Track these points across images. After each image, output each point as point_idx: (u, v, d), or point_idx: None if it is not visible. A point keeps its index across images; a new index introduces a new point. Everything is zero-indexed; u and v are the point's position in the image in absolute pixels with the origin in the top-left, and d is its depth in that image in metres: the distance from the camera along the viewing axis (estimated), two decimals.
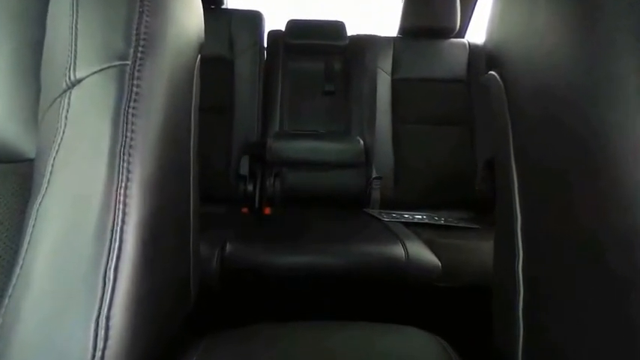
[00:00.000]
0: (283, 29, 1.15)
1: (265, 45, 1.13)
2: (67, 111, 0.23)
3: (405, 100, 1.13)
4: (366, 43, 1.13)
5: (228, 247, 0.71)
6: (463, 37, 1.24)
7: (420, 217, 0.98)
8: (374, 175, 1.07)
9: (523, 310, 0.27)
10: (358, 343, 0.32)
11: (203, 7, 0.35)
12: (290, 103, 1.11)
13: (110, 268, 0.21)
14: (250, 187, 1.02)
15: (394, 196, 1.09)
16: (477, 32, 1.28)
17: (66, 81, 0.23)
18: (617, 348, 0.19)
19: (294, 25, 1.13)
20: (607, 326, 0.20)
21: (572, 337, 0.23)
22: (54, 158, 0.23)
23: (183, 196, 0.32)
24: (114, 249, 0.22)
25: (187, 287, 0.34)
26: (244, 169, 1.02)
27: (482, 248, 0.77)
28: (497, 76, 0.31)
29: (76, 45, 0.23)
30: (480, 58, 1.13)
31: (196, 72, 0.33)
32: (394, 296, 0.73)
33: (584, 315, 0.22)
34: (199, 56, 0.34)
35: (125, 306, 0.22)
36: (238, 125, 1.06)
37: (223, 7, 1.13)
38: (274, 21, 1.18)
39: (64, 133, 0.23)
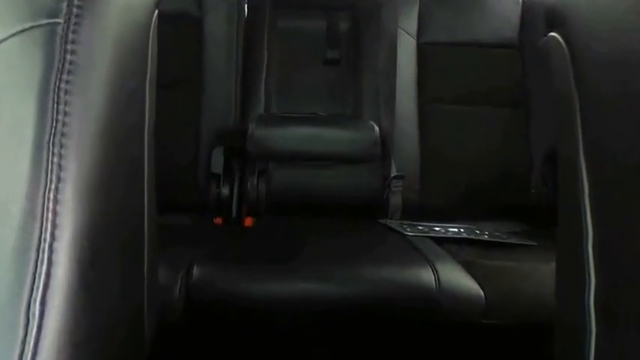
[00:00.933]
0: None
1: None
2: None
3: (435, 71, 0.98)
4: None
5: (195, 270, 0.61)
6: None
7: (455, 230, 0.85)
8: (393, 173, 0.92)
9: (595, 354, 0.26)
10: None
11: None
12: (279, 76, 0.96)
13: (35, 300, 0.18)
14: (226, 190, 0.88)
15: (421, 201, 0.94)
16: None
17: None
18: None
19: None
20: None
21: None
22: None
23: (134, 201, 0.28)
24: (40, 274, 0.18)
25: (141, 324, 0.30)
26: (217, 166, 0.87)
27: (541, 272, 0.66)
28: (561, 40, 0.30)
29: None
30: (538, 14, 0.97)
31: (152, 33, 0.29)
32: (422, 338, 0.65)
33: None
34: (156, 12, 0.30)
35: (56, 351, 0.18)
36: (209, 106, 0.90)
37: None
38: None
39: None
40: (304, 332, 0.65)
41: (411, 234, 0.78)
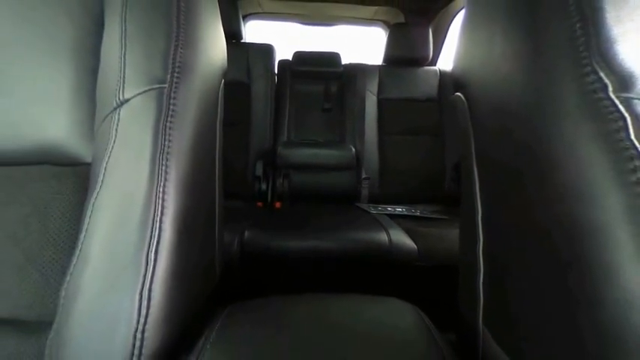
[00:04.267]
0: (290, 59, 1.18)
1: (276, 71, 1.16)
2: (117, 124, 0.23)
3: (388, 115, 1.15)
4: (357, 70, 1.15)
5: (246, 234, 0.72)
6: (435, 65, 1.28)
7: (400, 210, 1.00)
8: (363, 176, 1.10)
9: (483, 283, 0.27)
10: (350, 312, 0.32)
11: (226, 42, 0.35)
12: (296, 118, 1.13)
13: (152, 251, 0.22)
14: (264, 186, 1.03)
15: (380, 192, 1.11)
16: (446, 61, 1.31)
17: (116, 100, 0.24)
18: (561, 318, 0.19)
19: (300, 56, 1.16)
20: (553, 299, 0.20)
21: (522, 305, 0.23)
22: (106, 162, 0.23)
23: (210, 193, 0.31)
24: (154, 236, 0.22)
25: (213, 267, 0.34)
26: (259, 171, 1.04)
27: (450, 235, 0.79)
28: (462, 97, 0.31)
29: (124, 71, 0.24)
30: (448, 82, 1.16)
31: (221, 93, 0.33)
32: (380, 273, 0.74)
33: (532, 287, 0.22)
34: (223, 81, 0.34)
35: (164, 281, 0.22)
36: (254, 136, 1.08)
37: (242, 41, 1.17)
38: (283, 51, 1.23)
39: (114, 142, 0.23)
40: (312, 269, 0.74)
41: (374, 212, 0.94)
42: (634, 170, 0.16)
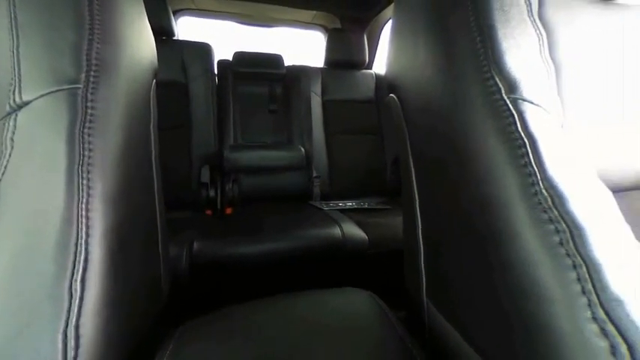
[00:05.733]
0: (231, 59, 1.09)
1: (216, 71, 1.06)
2: (14, 132, 0.19)
3: (332, 116, 1.15)
4: (300, 72, 1.13)
5: (195, 245, 0.66)
6: (371, 69, 1.32)
7: (350, 204, 1.01)
8: (314, 174, 1.08)
9: (424, 262, 0.29)
10: (310, 308, 0.32)
11: (155, 39, 0.31)
12: (241, 120, 1.06)
13: (76, 280, 0.18)
14: (212, 192, 0.96)
15: (330, 190, 1.11)
16: (380, 65, 1.36)
17: (10, 103, 0.20)
18: (482, 282, 0.21)
19: (241, 56, 1.08)
20: (476, 267, 0.22)
21: (453, 275, 0.25)
22: (0, 180, 0.19)
23: (148, 204, 0.29)
24: (79, 261, 0.19)
25: (159, 286, 0.31)
26: (205, 177, 0.95)
27: (395, 223, 0.83)
28: (396, 98, 0.32)
29: (18, 68, 0.20)
30: (383, 84, 1.19)
31: (152, 94, 0.30)
32: (336, 266, 0.74)
33: (460, 259, 0.24)
34: (154, 81, 0.31)
35: (96, 312, 0.19)
36: (197, 140, 0.98)
37: (175, 38, 1.03)
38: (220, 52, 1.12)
39: (10, 153, 0.19)
40: (270, 272, 0.70)
41: (326, 209, 0.94)
42: (522, 156, 0.19)
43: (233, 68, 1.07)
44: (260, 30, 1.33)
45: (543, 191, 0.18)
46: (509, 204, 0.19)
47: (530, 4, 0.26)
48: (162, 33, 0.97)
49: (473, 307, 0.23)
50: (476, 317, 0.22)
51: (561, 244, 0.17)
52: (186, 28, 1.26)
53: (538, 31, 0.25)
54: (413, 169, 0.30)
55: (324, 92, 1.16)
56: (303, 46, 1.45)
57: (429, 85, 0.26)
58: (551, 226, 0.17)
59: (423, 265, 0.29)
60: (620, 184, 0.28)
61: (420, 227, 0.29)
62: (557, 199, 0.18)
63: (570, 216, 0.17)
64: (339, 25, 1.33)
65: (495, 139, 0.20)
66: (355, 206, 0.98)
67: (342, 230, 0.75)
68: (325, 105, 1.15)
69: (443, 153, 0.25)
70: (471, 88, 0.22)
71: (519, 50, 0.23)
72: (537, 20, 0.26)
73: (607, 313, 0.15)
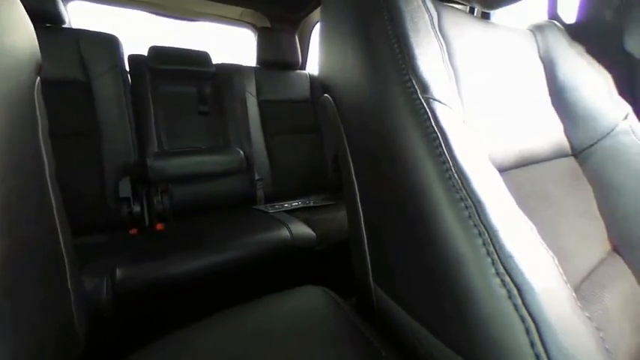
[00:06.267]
0: (146, 54, 0.95)
1: (128, 68, 0.91)
2: None
3: (270, 117, 1.12)
4: (232, 71, 1.06)
5: (118, 272, 0.57)
6: (305, 69, 1.33)
7: (296, 203, 1.01)
8: (256, 177, 1.04)
9: (368, 248, 0.31)
10: (267, 312, 0.32)
11: (37, 26, 0.27)
12: (166, 124, 0.94)
13: None
14: (137, 208, 0.83)
15: (274, 191, 1.08)
16: (313, 66, 1.37)
17: None
18: (416, 258, 0.25)
19: (159, 52, 0.96)
20: (410, 246, 0.25)
21: (396, 258, 0.28)
22: None
23: (46, 234, 0.24)
24: None
25: (71, 329, 0.27)
26: (126, 191, 0.82)
27: (340, 216, 0.86)
28: (330, 98, 0.34)
29: None
30: (318, 85, 1.20)
31: (37, 95, 0.25)
32: (287, 266, 0.73)
33: (399, 242, 0.27)
34: (39, 78, 0.26)
35: None
36: (109, 148, 0.83)
37: (65, 26, 0.82)
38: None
39: None
40: (216, 287, 0.64)
41: (272, 211, 0.91)
42: (437, 147, 0.23)
43: (150, 65, 0.94)
44: (178, 24, 1.20)
45: (455, 175, 0.22)
46: (431, 189, 0.22)
47: (433, 18, 0.31)
48: (46, 19, 0.77)
49: (411, 283, 0.25)
50: (414, 292, 0.25)
51: (470, 217, 0.20)
52: (84, 16, 1.03)
53: (440, 42, 0.30)
54: (352, 165, 0.31)
55: (259, 92, 1.12)
56: (222, 45, 1.36)
57: (359, 87, 0.28)
58: (462, 204, 0.21)
59: (367, 252, 0.31)
60: (503, 164, 0.34)
61: (362, 217, 0.31)
62: (464, 180, 0.21)
63: (474, 194, 0.21)
64: (268, 24, 1.29)
65: (416, 134, 0.24)
66: (301, 205, 0.98)
67: (289, 231, 0.74)
68: (262, 105, 1.11)
69: (376, 148, 0.27)
70: (393, 89, 0.25)
71: (427, 57, 0.27)
72: (438, 32, 0.31)
73: (504, 268, 0.19)
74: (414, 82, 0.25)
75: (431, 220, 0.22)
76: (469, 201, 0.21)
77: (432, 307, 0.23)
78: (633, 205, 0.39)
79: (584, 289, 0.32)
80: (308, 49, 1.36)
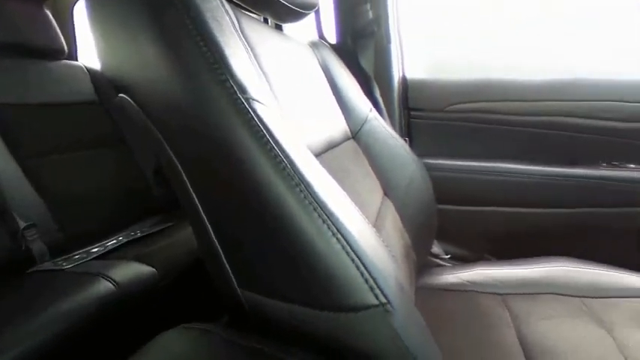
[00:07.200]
0: None
1: None
2: None
3: (25, 130, 0.76)
4: None
5: None
6: (77, 60, 1.00)
7: (115, 241, 0.77)
8: (22, 225, 0.68)
9: (226, 258, 0.30)
10: None
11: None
12: None
13: None
14: None
15: (66, 236, 0.75)
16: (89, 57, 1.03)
17: None
18: (274, 246, 0.26)
19: None
20: (266, 239, 0.27)
21: (257, 256, 0.29)
22: None
23: None
24: None
25: None
26: None
27: (184, 236, 0.76)
28: (129, 99, 0.30)
29: None
30: (104, 82, 0.94)
31: None
32: (126, 323, 0.58)
33: (256, 239, 0.28)
34: None
35: None
36: None
37: None
38: None
39: None
40: None
41: (70, 266, 0.65)
42: (266, 143, 0.25)
43: None
44: None
45: (288, 166, 0.25)
46: (271, 182, 0.24)
47: (234, 21, 0.31)
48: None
49: (274, 269, 0.27)
50: (278, 277, 0.27)
51: (305, 197, 0.24)
52: None
53: (245, 45, 0.31)
54: (184, 174, 0.29)
55: None
56: None
57: (170, 84, 0.26)
58: (298, 188, 0.24)
59: (227, 263, 0.30)
60: (316, 150, 0.41)
61: (211, 228, 0.30)
62: (295, 169, 0.25)
63: (304, 178, 0.25)
64: None
65: (245, 133, 0.25)
66: (125, 240, 0.77)
67: (111, 280, 0.58)
68: (2, 113, 0.74)
69: (207, 151, 0.27)
70: (212, 90, 0.25)
71: (239, 58, 0.27)
72: (242, 36, 0.32)
73: (336, 228, 0.24)
74: (231, 82, 0.25)
75: (279, 209, 0.24)
76: (302, 185, 0.24)
77: (294, 280, 0.26)
78: (390, 164, 0.62)
79: (377, 225, 0.49)
80: (74, 32, 1.02)
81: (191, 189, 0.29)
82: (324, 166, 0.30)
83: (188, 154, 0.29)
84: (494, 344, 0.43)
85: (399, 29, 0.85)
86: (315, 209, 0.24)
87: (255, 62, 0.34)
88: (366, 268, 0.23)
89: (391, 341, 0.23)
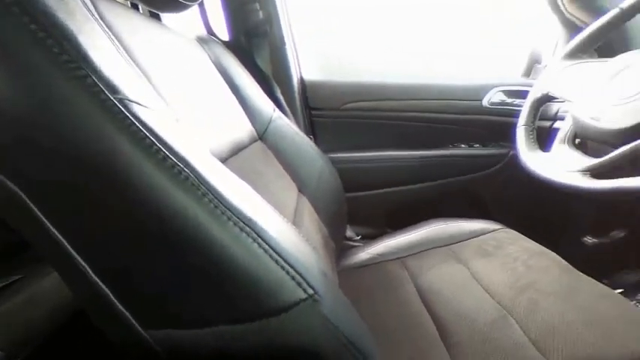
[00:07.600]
0: None
1: None
2: None
3: None
4: None
5: None
6: None
7: None
8: None
9: (119, 299, 0.25)
10: None
11: None
12: None
13: None
14: None
15: None
16: None
17: None
18: (179, 271, 0.24)
19: None
20: (170, 262, 0.23)
21: (159, 284, 0.24)
22: None
23: None
24: None
25: None
26: None
27: (42, 290, 0.54)
28: None
29: None
30: None
31: None
32: None
33: (158, 267, 0.24)
34: None
35: None
36: None
37: None
38: None
39: None
40: None
41: None
42: (158, 151, 0.21)
43: None
44: None
45: (190, 175, 0.22)
46: (172, 196, 0.21)
47: (86, 3, 0.25)
48: None
49: (192, 295, 0.24)
50: (199, 300, 0.24)
51: (215, 206, 0.22)
52: None
53: (108, 34, 0.26)
54: (36, 209, 0.23)
55: None
56: None
57: (4, 92, 0.20)
58: (206, 199, 0.22)
59: (119, 303, 0.25)
60: (222, 155, 0.40)
61: (90, 269, 0.24)
62: (200, 178, 0.22)
63: (211, 185, 0.23)
64: None
65: (125, 142, 0.21)
66: None
67: None
68: None
69: (70, 171, 0.21)
70: (69, 91, 0.20)
71: (101, 50, 0.22)
72: (102, 22, 0.26)
73: (256, 232, 0.23)
74: (94, 79, 0.20)
75: (186, 225, 0.22)
76: (210, 194, 0.22)
77: (217, 299, 0.24)
78: (299, 162, 0.64)
79: (296, 222, 0.50)
80: None
81: (52, 228, 0.23)
82: (233, 171, 0.29)
83: (41, 183, 0.22)
84: (402, 301, 0.53)
85: (292, 30, 0.88)
86: (229, 218, 0.23)
87: (128, 57, 0.28)
88: (291, 265, 0.23)
89: (324, 328, 0.23)
